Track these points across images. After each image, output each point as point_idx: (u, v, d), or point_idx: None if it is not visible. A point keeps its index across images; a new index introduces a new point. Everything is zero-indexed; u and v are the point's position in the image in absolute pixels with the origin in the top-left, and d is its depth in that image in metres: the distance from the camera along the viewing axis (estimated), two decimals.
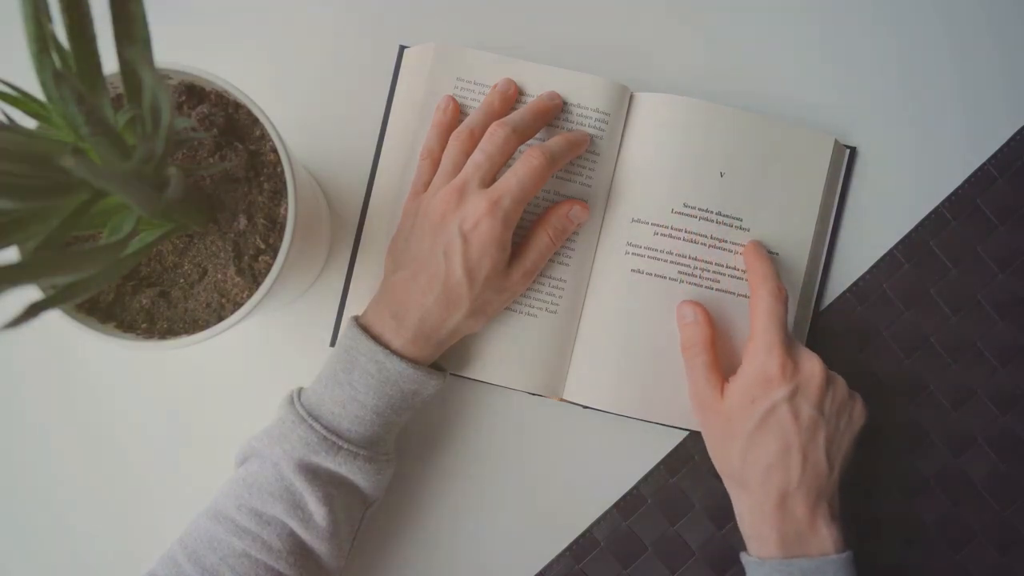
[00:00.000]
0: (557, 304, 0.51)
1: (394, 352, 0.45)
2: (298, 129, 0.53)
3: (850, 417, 0.46)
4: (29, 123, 0.34)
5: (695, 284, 0.51)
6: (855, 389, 0.47)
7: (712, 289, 0.51)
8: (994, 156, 0.54)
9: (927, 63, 0.54)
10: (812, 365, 0.45)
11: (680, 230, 0.50)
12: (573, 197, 0.50)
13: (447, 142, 0.48)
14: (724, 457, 0.47)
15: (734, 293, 0.51)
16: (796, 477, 0.44)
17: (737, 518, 0.47)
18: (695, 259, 0.50)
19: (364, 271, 0.52)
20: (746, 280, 0.51)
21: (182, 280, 0.43)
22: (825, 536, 0.44)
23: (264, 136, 0.43)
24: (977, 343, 0.53)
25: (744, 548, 0.47)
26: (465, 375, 0.51)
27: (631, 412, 0.51)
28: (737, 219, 0.51)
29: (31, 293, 0.37)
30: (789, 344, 0.46)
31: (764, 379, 0.44)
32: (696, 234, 0.50)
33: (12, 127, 0.31)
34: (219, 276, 0.42)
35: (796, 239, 0.52)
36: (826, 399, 0.45)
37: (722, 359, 0.49)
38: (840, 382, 0.46)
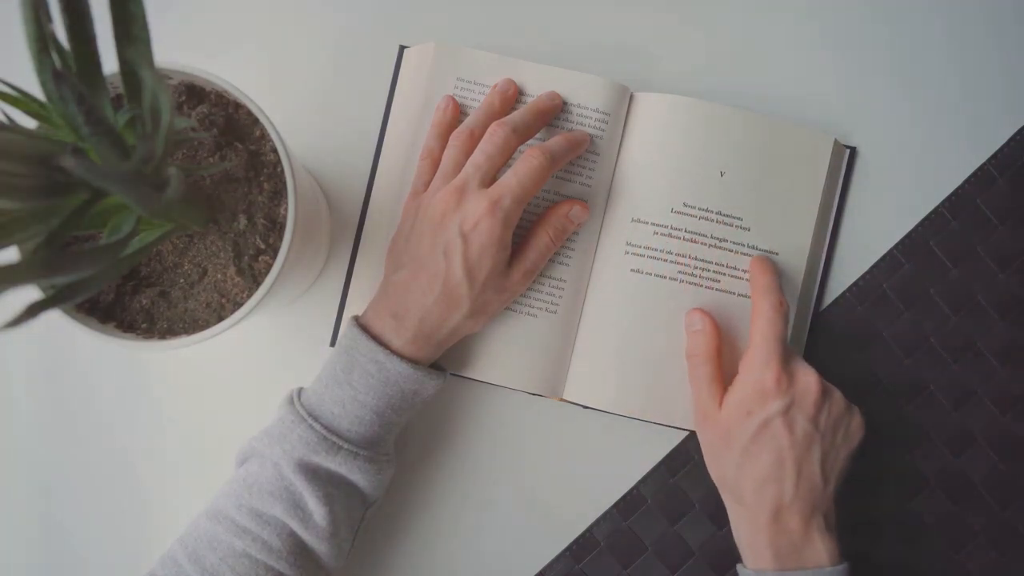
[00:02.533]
0: (557, 304, 0.51)
1: (394, 352, 0.45)
2: (298, 129, 0.53)
3: (847, 431, 0.45)
4: (29, 123, 0.34)
5: (695, 284, 0.51)
6: (856, 399, 0.47)
7: (712, 289, 0.51)
8: (994, 156, 0.54)
9: (927, 63, 0.54)
10: (808, 379, 0.45)
11: (680, 230, 0.50)
12: (573, 197, 0.50)
13: (447, 142, 0.48)
14: (719, 468, 0.47)
15: (734, 293, 0.51)
16: (790, 491, 0.44)
17: (732, 529, 0.47)
18: (695, 259, 0.50)
19: (364, 271, 0.52)
20: (746, 280, 0.51)
21: (182, 280, 0.43)
22: (820, 548, 0.44)
23: (264, 136, 0.43)
24: (977, 343, 0.53)
25: (739, 559, 0.47)
26: (465, 375, 0.51)
27: (631, 412, 0.51)
28: (737, 219, 0.51)
29: (31, 293, 0.37)
30: (786, 357, 0.45)
31: (760, 392, 0.44)
32: (696, 234, 0.50)
33: (12, 127, 0.31)
34: (219, 276, 0.42)
35: (796, 239, 0.52)
36: (822, 413, 0.45)
37: (723, 360, 0.49)
38: (837, 396, 0.46)
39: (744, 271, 0.51)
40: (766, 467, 0.44)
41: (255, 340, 0.53)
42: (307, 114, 0.53)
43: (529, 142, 0.49)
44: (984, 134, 0.54)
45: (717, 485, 0.48)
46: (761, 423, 0.44)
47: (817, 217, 0.52)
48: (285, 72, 0.54)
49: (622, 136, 0.52)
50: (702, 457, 0.49)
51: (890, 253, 0.53)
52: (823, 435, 0.44)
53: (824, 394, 0.45)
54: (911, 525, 0.53)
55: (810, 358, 0.53)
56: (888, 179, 0.54)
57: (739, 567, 0.46)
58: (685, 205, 0.50)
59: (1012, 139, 0.54)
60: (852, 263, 0.53)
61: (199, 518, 0.44)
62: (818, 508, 0.44)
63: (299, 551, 0.43)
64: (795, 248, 0.52)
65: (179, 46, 0.52)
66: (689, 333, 0.49)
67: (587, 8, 0.54)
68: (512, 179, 0.45)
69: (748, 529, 0.45)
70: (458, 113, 0.51)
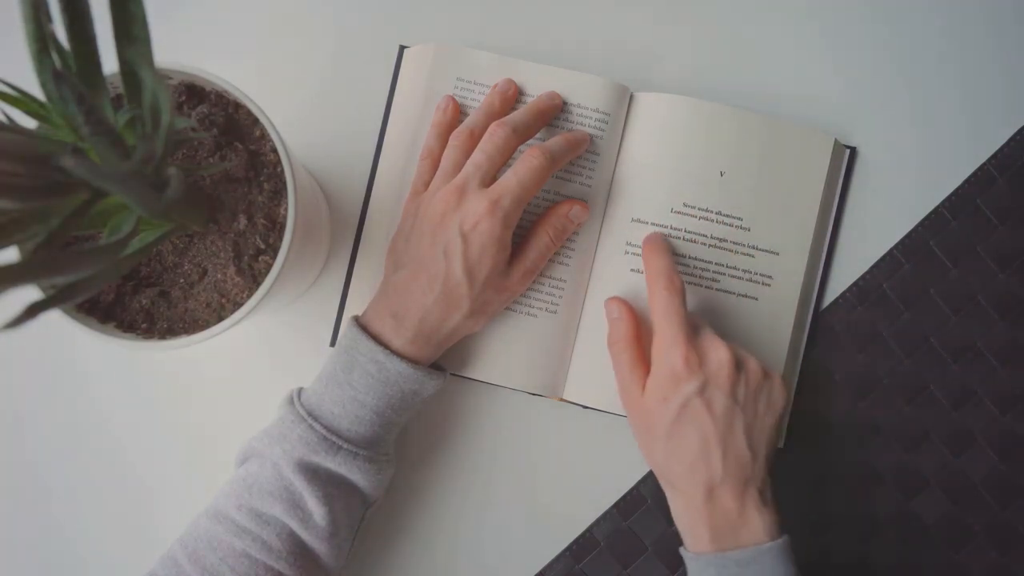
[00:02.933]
0: (557, 304, 0.51)
1: (394, 352, 0.45)
2: (298, 129, 0.52)
3: (769, 399, 0.45)
4: (29, 123, 0.34)
5: (695, 284, 0.51)
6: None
7: (712, 289, 0.51)
8: (994, 156, 0.54)
9: (927, 63, 0.54)
10: (719, 354, 0.44)
11: (680, 230, 0.50)
12: (573, 197, 0.50)
13: (447, 142, 0.48)
14: (650, 455, 0.46)
15: (734, 293, 0.51)
16: (719, 469, 0.43)
17: (672, 514, 0.46)
18: (695, 259, 0.50)
19: (364, 271, 0.52)
20: (748, 280, 0.51)
21: (182, 280, 0.43)
22: (757, 525, 0.43)
23: (264, 136, 0.43)
24: (977, 343, 0.53)
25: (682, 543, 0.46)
26: (465, 375, 0.51)
27: None
28: (737, 219, 0.51)
29: (31, 293, 0.37)
30: (691, 336, 0.44)
31: (671, 376, 0.44)
32: (696, 234, 0.50)
33: (12, 127, 0.31)
34: (219, 276, 0.42)
35: (796, 239, 0.52)
36: (739, 386, 0.44)
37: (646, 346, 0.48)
38: (752, 364, 0.45)
39: (744, 271, 0.51)
40: (692, 449, 0.43)
41: (255, 340, 0.53)
42: (307, 114, 0.53)
43: (529, 142, 0.49)
44: (984, 134, 0.54)
45: (653, 471, 0.47)
46: (679, 406, 0.43)
47: (817, 217, 0.52)
48: (285, 72, 0.54)
49: (622, 136, 0.52)
50: None
51: (890, 253, 0.53)
52: (743, 408, 0.44)
53: (737, 366, 0.44)
54: (911, 525, 0.53)
55: (810, 358, 0.53)
56: (888, 179, 0.54)
57: (681, 550, 0.46)
58: (685, 205, 0.50)
59: (1012, 139, 0.54)
60: (852, 263, 0.53)
61: (199, 518, 0.44)
62: (751, 482, 0.43)
63: (299, 551, 0.43)
64: (795, 248, 0.52)
65: (179, 46, 0.52)
66: (609, 321, 0.49)
67: (587, 8, 0.54)
68: (512, 179, 0.45)
69: (684, 512, 0.45)
70: (458, 113, 0.51)
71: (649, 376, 0.45)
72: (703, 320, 0.47)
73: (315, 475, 0.43)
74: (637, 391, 0.45)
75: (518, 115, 0.48)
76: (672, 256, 0.48)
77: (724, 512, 0.43)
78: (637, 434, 0.47)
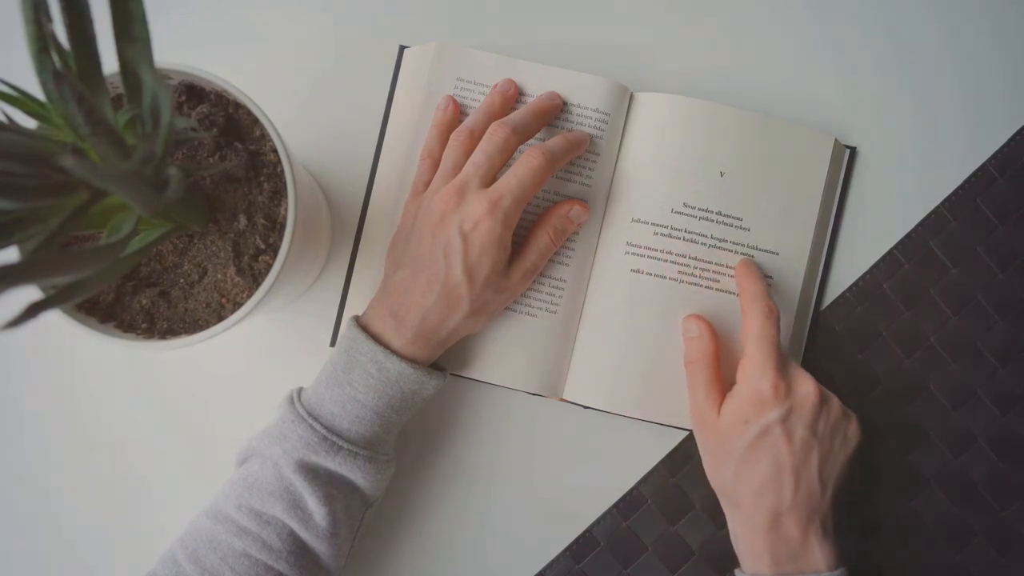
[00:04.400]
0: (557, 304, 0.51)
1: (394, 352, 0.45)
2: (298, 129, 0.53)
3: (844, 437, 0.46)
4: (29, 123, 0.34)
5: (695, 284, 0.51)
6: (856, 399, 0.47)
7: (712, 289, 0.51)
8: (994, 156, 0.54)
9: (927, 63, 0.54)
10: (806, 386, 0.45)
11: (680, 230, 0.50)
12: (573, 197, 0.50)
13: (447, 142, 0.48)
14: (718, 474, 0.47)
15: (734, 293, 0.51)
16: (789, 498, 0.44)
17: (731, 534, 0.47)
18: (695, 259, 0.50)
19: (364, 271, 0.52)
20: None
21: (182, 280, 0.43)
22: (818, 555, 0.44)
23: (264, 136, 0.43)
24: (977, 343, 0.53)
25: (737, 564, 0.47)
26: (465, 375, 0.51)
27: (631, 412, 0.51)
28: (737, 219, 0.51)
29: (31, 293, 0.37)
30: (783, 364, 0.45)
31: (757, 400, 0.44)
32: (696, 234, 0.50)
33: (12, 127, 0.31)
34: (219, 276, 0.42)
35: (796, 239, 0.52)
36: (820, 420, 0.45)
37: (721, 363, 0.48)
38: (835, 402, 0.46)
39: None
40: (764, 475, 0.44)
41: (255, 340, 0.53)
42: (307, 114, 0.54)
43: (529, 142, 0.49)
44: (984, 134, 0.54)
45: (715, 491, 0.48)
46: (759, 431, 0.44)
47: (817, 217, 0.52)
48: (285, 72, 0.54)
49: (622, 136, 0.52)
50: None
51: (890, 253, 0.53)
52: (821, 442, 0.44)
53: (822, 401, 0.45)
54: (911, 525, 0.53)
55: (810, 358, 0.53)
56: (888, 179, 0.54)
57: (737, 572, 0.46)
58: (685, 205, 0.50)
59: (1012, 139, 0.54)
60: (852, 263, 0.53)
61: (199, 518, 0.44)
62: (816, 514, 0.44)
63: (299, 551, 0.43)
64: (795, 248, 0.52)
65: (179, 46, 0.52)
66: (686, 340, 0.49)
67: (587, 8, 0.54)
68: (512, 179, 0.45)
69: (746, 535, 0.45)
70: (458, 113, 0.51)
71: (730, 396, 0.46)
72: (788, 354, 0.48)
73: (315, 475, 0.43)
74: (712, 411, 0.46)
75: (518, 115, 0.48)
76: (766, 281, 0.49)
77: (787, 539, 0.44)
78: (705, 452, 0.47)
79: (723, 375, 0.48)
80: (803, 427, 0.44)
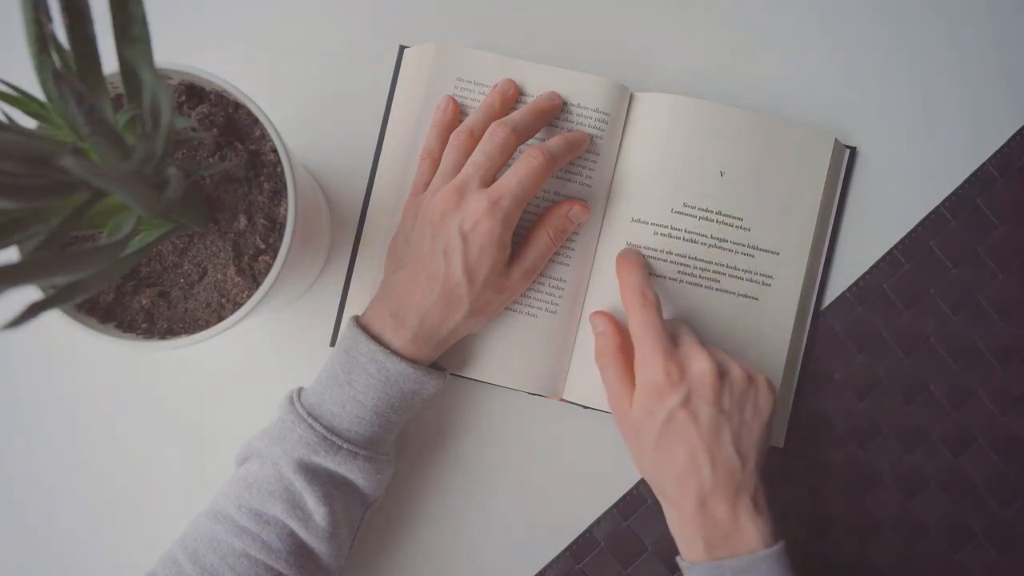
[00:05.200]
0: (557, 304, 0.51)
1: (394, 352, 0.45)
2: (298, 129, 0.53)
3: (755, 405, 0.44)
4: (29, 123, 0.34)
5: (695, 284, 0.51)
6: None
7: (712, 289, 0.51)
8: (994, 156, 0.54)
9: (927, 63, 0.54)
10: (700, 364, 0.43)
11: (680, 230, 0.50)
12: (573, 197, 0.50)
13: (447, 142, 0.48)
14: (641, 466, 0.46)
15: (734, 293, 0.51)
16: (708, 479, 0.43)
17: (667, 522, 0.46)
18: (695, 259, 0.50)
19: (364, 271, 0.52)
20: (748, 280, 0.51)
21: (182, 280, 0.43)
22: (751, 532, 0.42)
23: (264, 136, 0.43)
24: (977, 343, 0.53)
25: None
26: (465, 375, 0.51)
27: None
28: (737, 219, 0.51)
29: (31, 293, 0.37)
30: (670, 348, 0.44)
31: (654, 390, 0.43)
32: (696, 234, 0.50)
33: (12, 127, 0.31)
34: (219, 276, 0.42)
35: (796, 239, 0.52)
36: (723, 394, 0.43)
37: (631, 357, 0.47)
38: (736, 371, 0.44)
39: (744, 271, 0.51)
40: (681, 461, 0.43)
41: (255, 340, 0.53)
42: (307, 114, 0.53)
43: (529, 142, 0.49)
44: (984, 134, 0.54)
45: (646, 480, 0.47)
46: (664, 419, 0.43)
47: (817, 217, 0.52)
48: (285, 72, 0.54)
49: (622, 136, 0.52)
50: None
51: (890, 253, 0.53)
52: (730, 416, 0.43)
53: (720, 374, 0.44)
54: (911, 525, 0.53)
55: (810, 358, 0.53)
56: (888, 179, 0.54)
57: (677, 559, 0.46)
58: (685, 205, 0.50)
59: (1012, 139, 0.54)
60: (852, 263, 0.53)
61: (199, 518, 0.44)
62: (742, 490, 0.43)
63: (299, 551, 0.43)
64: (795, 248, 0.52)
65: (179, 46, 0.52)
66: (595, 335, 0.49)
67: (587, 8, 0.54)
68: (512, 179, 0.45)
69: (678, 522, 0.45)
70: (458, 113, 0.51)
71: (635, 391, 0.45)
72: (685, 328, 0.47)
73: (315, 475, 0.43)
74: (625, 404, 0.45)
75: (518, 115, 0.48)
76: (646, 270, 0.48)
77: (717, 521, 0.43)
78: (628, 446, 0.47)
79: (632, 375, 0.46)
80: (707, 405, 0.43)
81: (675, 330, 0.47)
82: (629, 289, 0.46)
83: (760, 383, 0.45)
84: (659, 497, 0.46)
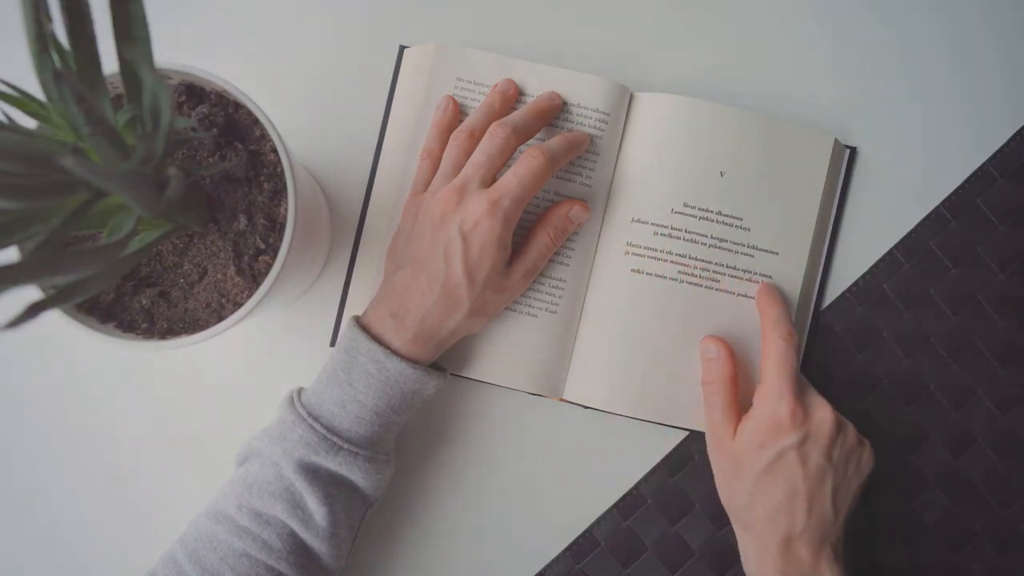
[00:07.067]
0: (557, 304, 0.51)
1: (394, 352, 0.45)
2: (298, 129, 0.53)
3: (858, 464, 0.46)
4: (29, 123, 0.34)
5: (695, 284, 0.51)
6: (856, 399, 0.47)
7: (712, 289, 0.51)
8: (994, 156, 0.54)
9: (927, 63, 0.54)
10: (823, 413, 0.45)
11: (680, 230, 0.50)
12: (573, 197, 0.50)
13: (447, 142, 0.48)
14: (731, 496, 0.47)
15: (734, 293, 0.51)
16: (801, 522, 0.44)
17: (741, 555, 0.47)
18: (695, 259, 0.50)
19: (364, 271, 0.52)
20: (746, 280, 0.51)
21: (182, 280, 0.43)
22: None
23: (264, 136, 0.43)
24: (977, 343, 0.53)
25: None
26: (465, 375, 0.51)
27: (631, 412, 0.51)
28: (737, 219, 0.51)
29: (31, 293, 0.37)
30: (800, 390, 0.46)
31: (774, 425, 0.45)
32: (696, 234, 0.50)
33: (12, 127, 0.31)
34: (219, 276, 0.42)
35: (796, 239, 0.52)
36: (835, 447, 0.45)
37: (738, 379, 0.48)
38: (850, 429, 0.46)
39: (744, 271, 0.51)
40: (779, 498, 0.44)
41: (255, 340, 0.53)
42: (307, 114, 0.53)
43: (529, 142, 0.49)
44: (984, 134, 0.54)
45: (727, 511, 0.48)
46: (775, 456, 0.44)
47: (817, 217, 0.52)
48: (286, 72, 0.54)
49: (622, 136, 0.52)
50: (702, 457, 0.49)
51: (890, 253, 0.53)
52: (835, 468, 0.45)
53: (838, 428, 0.45)
54: (911, 525, 0.53)
55: (810, 358, 0.53)
56: (888, 179, 0.54)
57: None
58: (685, 205, 0.50)
59: (1012, 139, 0.54)
60: (852, 263, 0.53)
61: (199, 518, 0.44)
62: (827, 539, 0.44)
63: (299, 551, 0.43)
64: (795, 248, 0.52)
65: (179, 46, 0.52)
66: (704, 360, 0.49)
67: (587, 8, 0.54)
68: (512, 179, 0.45)
69: (757, 557, 0.46)
70: (458, 113, 0.51)
71: (746, 419, 0.46)
72: (806, 380, 0.48)
73: (315, 475, 0.43)
74: (728, 433, 0.46)
75: (518, 115, 0.48)
76: (787, 306, 0.50)
77: (798, 563, 0.44)
78: (719, 473, 0.48)
79: (739, 404, 0.48)
80: (818, 453, 0.44)
81: (802, 377, 0.48)
82: (771, 323, 0.48)
83: (867, 446, 0.47)
84: (740, 529, 0.47)
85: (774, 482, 0.44)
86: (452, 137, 0.48)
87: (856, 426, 0.47)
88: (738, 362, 0.49)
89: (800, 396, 0.45)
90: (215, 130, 0.42)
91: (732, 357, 0.48)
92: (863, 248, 0.54)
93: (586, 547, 0.52)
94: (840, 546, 0.45)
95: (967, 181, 0.54)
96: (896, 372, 0.53)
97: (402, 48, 0.53)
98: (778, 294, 0.50)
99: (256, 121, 0.43)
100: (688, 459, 0.53)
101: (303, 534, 0.43)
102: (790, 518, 0.44)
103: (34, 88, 0.32)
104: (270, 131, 0.40)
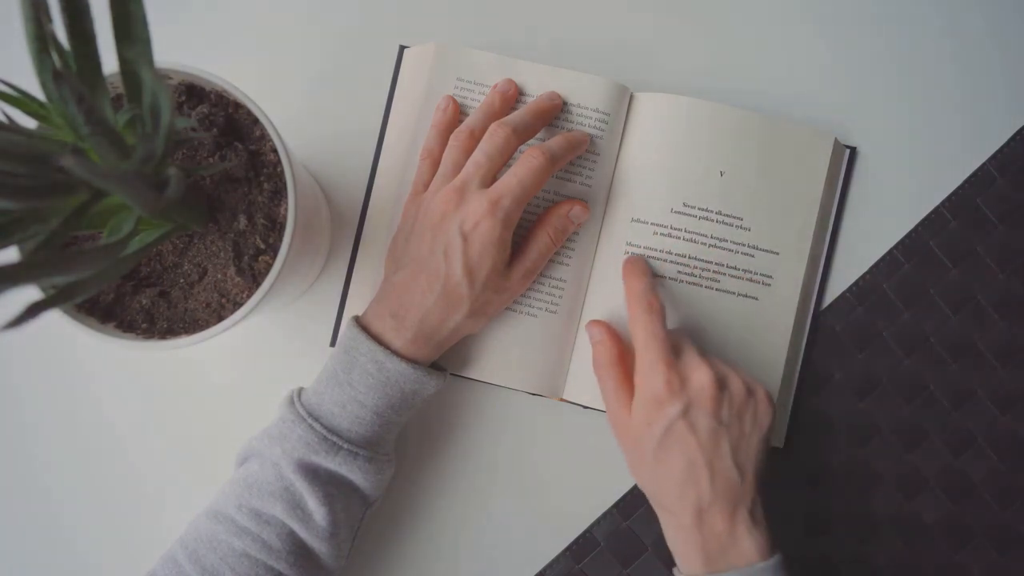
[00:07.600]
0: (557, 304, 0.51)
1: (394, 352, 0.45)
2: (298, 129, 0.53)
3: (754, 416, 0.44)
4: (29, 123, 0.34)
5: (695, 284, 0.51)
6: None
7: (712, 289, 0.51)
8: (994, 156, 0.54)
9: (927, 63, 0.54)
10: (700, 375, 0.43)
11: (680, 230, 0.50)
12: (573, 197, 0.50)
13: (447, 142, 0.48)
14: (639, 478, 0.46)
15: (734, 293, 0.51)
16: (707, 491, 0.42)
17: (665, 536, 0.46)
18: (695, 259, 0.50)
19: (364, 271, 0.52)
20: (748, 280, 0.51)
21: (182, 280, 0.43)
22: (748, 545, 0.42)
23: (264, 136, 0.43)
24: (977, 343, 0.53)
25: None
26: (465, 375, 0.51)
27: None
28: (737, 219, 0.51)
29: (31, 293, 0.37)
30: (671, 358, 0.44)
31: (654, 400, 0.43)
32: (696, 234, 0.50)
33: (12, 127, 0.31)
34: (219, 276, 0.42)
35: (796, 239, 0.52)
36: (722, 406, 0.43)
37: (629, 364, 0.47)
38: (736, 383, 0.44)
39: (744, 271, 0.51)
40: (679, 472, 0.43)
41: (255, 340, 0.53)
42: (307, 114, 0.53)
43: (529, 142, 0.49)
44: (984, 134, 0.54)
45: (646, 495, 0.47)
46: (664, 430, 0.43)
47: (817, 217, 0.52)
48: (285, 72, 0.54)
49: (622, 136, 0.52)
50: None
51: (890, 253, 0.53)
52: (729, 428, 0.43)
53: (720, 386, 0.43)
54: (911, 525, 0.53)
55: (810, 358, 0.53)
56: (888, 179, 0.54)
57: (674, 571, 0.45)
58: (685, 205, 0.50)
59: (1012, 139, 0.54)
60: (852, 263, 0.53)
61: (199, 518, 0.44)
62: (740, 503, 0.43)
63: (299, 551, 0.43)
64: (795, 248, 0.52)
65: (179, 46, 0.52)
66: (592, 345, 0.48)
67: (587, 8, 0.54)
68: (512, 179, 0.45)
69: (675, 534, 0.44)
70: (458, 113, 0.51)
71: (634, 400, 0.45)
72: (686, 339, 0.47)
73: (315, 475, 0.43)
74: (624, 414, 0.45)
75: (518, 115, 0.48)
76: (651, 277, 0.48)
77: (715, 534, 0.43)
78: (626, 455, 0.47)
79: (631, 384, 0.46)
80: (706, 416, 0.43)
81: (677, 340, 0.46)
82: (634, 296, 0.46)
83: (759, 395, 0.45)
84: (656, 508, 0.46)
85: (670, 456, 0.43)
86: (452, 137, 0.48)
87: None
88: (626, 342, 0.47)
89: (673, 364, 0.43)
90: (215, 130, 0.42)
91: (616, 338, 0.47)
92: (863, 248, 0.54)
93: (586, 547, 0.52)
94: (758, 509, 0.43)
95: (967, 181, 0.54)
96: (896, 372, 0.53)
97: (402, 48, 0.53)
98: (645, 264, 0.48)
99: (256, 121, 0.43)
100: None
101: (303, 534, 0.43)
102: (695, 489, 0.42)
103: (34, 88, 0.32)
104: (270, 131, 0.40)
